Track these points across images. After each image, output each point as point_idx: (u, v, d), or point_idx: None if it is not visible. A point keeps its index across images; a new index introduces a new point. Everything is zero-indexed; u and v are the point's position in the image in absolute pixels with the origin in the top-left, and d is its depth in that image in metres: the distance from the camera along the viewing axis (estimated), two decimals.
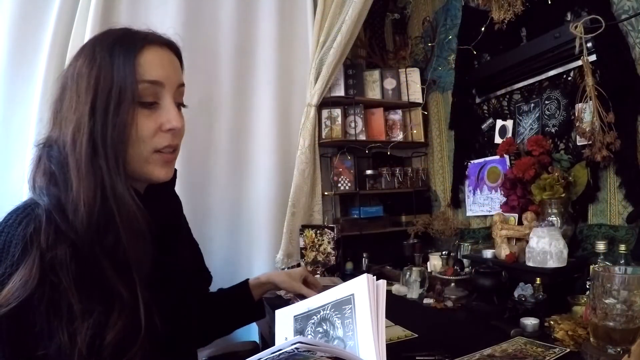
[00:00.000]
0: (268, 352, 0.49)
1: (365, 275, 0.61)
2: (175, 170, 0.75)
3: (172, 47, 0.68)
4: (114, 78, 0.59)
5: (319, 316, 0.63)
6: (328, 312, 0.62)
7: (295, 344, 0.48)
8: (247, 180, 1.76)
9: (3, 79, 1.38)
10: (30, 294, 0.51)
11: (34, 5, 1.43)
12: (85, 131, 0.58)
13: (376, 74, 1.98)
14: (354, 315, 0.59)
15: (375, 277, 0.62)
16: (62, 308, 0.53)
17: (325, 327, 0.61)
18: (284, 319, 0.68)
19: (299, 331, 0.64)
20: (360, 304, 0.59)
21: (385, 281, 0.62)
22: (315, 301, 0.66)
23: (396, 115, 2.00)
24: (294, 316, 0.67)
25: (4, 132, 1.37)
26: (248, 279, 1.04)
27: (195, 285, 0.78)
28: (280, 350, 0.48)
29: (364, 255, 1.75)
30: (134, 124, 0.60)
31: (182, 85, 0.69)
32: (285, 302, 1.30)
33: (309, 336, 0.62)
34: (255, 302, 1.02)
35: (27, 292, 0.51)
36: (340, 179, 1.89)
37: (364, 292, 0.59)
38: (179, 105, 0.69)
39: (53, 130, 0.62)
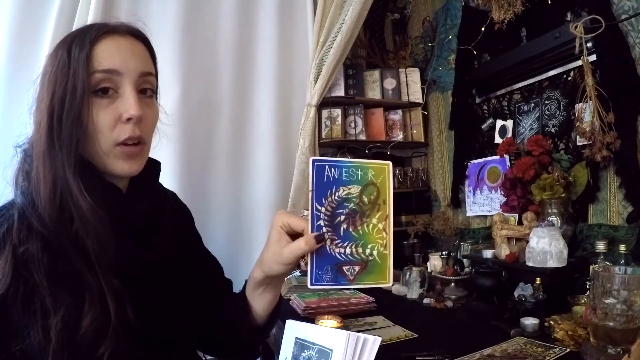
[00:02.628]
0: None
1: (346, 333, 0.54)
2: (159, 163, 0.73)
3: (135, 36, 0.66)
4: (69, 72, 0.59)
5: (307, 353, 0.59)
6: (314, 354, 0.58)
7: None
8: (247, 180, 1.76)
9: (3, 79, 1.38)
10: (5, 291, 0.52)
11: (33, 6, 1.43)
12: (44, 125, 0.59)
13: (376, 74, 1.98)
14: None
15: (363, 333, 0.55)
16: (35, 303, 0.53)
17: None
18: (290, 334, 0.64)
19: (294, 357, 0.61)
20: None
21: (379, 339, 0.54)
22: (312, 332, 0.61)
23: (396, 115, 2.00)
24: (296, 338, 0.62)
25: (3, 132, 1.37)
26: (246, 283, 0.80)
27: (188, 288, 0.75)
28: None
29: None
30: (89, 116, 0.59)
31: (149, 74, 0.66)
32: (286, 302, 1.30)
33: None
34: (254, 330, 0.76)
35: (2, 290, 0.52)
36: None
37: (341, 349, 0.54)
38: (151, 92, 0.67)
39: (31, 131, 0.64)
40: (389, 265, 0.60)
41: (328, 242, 0.60)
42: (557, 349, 0.83)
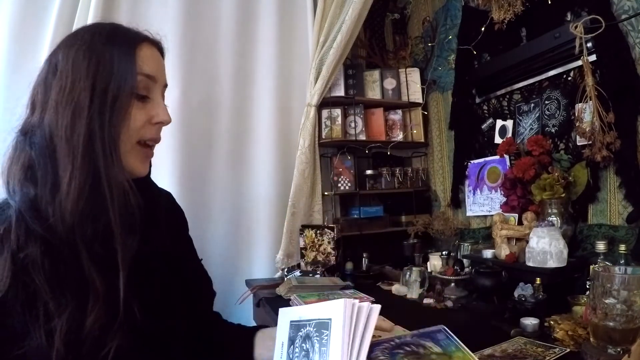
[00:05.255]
0: None
1: (343, 300, 0.56)
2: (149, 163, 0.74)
3: (159, 48, 0.70)
4: (114, 67, 0.60)
5: (305, 330, 0.60)
6: (312, 329, 0.59)
7: None
8: (247, 180, 1.76)
9: (3, 79, 1.38)
10: (4, 294, 0.52)
11: (34, 6, 1.43)
12: (84, 116, 0.57)
13: (376, 74, 1.97)
14: (328, 344, 0.55)
15: (358, 301, 0.56)
16: (37, 307, 0.53)
17: (307, 346, 0.59)
18: (284, 321, 0.66)
19: (292, 339, 0.62)
20: (335, 334, 0.55)
21: (379, 306, 0.56)
22: (306, 311, 0.62)
23: (396, 115, 2.00)
24: (290, 321, 0.64)
25: (5, 133, 1.37)
26: (257, 330, 0.79)
27: (183, 289, 0.73)
28: None
29: (364, 255, 1.75)
30: (128, 114, 0.61)
31: (166, 85, 0.71)
32: (285, 302, 1.30)
33: (297, 349, 0.60)
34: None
35: (1, 293, 0.52)
36: (340, 179, 1.89)
37: (339, 317, 0.55)
38: None
39: (35, 116, 0.61)
40: None
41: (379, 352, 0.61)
42: (557, 349, 0.83)
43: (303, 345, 0.60)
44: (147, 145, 0.66)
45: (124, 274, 0.57)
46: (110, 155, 0.58)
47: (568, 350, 0.83)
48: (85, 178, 0.56)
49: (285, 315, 0.66)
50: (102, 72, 0.59)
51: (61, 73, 0.60)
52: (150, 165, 0.74)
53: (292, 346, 0.62)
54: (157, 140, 0.68)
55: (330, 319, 0.57)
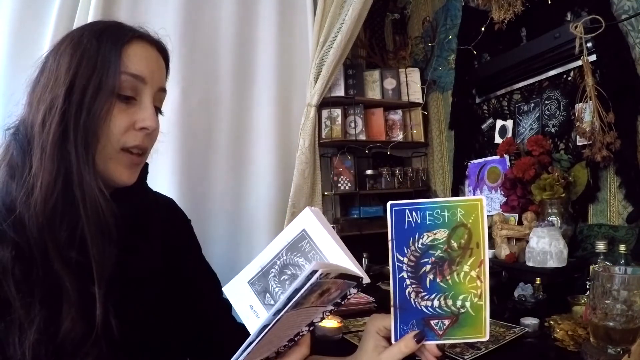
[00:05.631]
0: (284, 303, 0.44)
1: (307, 208, 0.57)
2: (146, 165, 0.70)
3: (160, 48, 0.66)
4: (97, 64, 0.57)
5: (276, 267, 0.57)
6: (285, 257, 0.57)
7: (310, 276, 0.43)
8: (247, 181, 1.76)
9: (3, 80, 1.38)
10: None
11: (33, 7, 1.43)
12: (57, 112, 0.54)
13: (376, 74, 1.97)
14: (314, 245, 0.55)
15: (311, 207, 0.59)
16: (12, 314, 0.50)
17: (290, 272, 0.56)
18: (238, 290, 0.59)
19: (262, 291, 0.58)
20: (316, 233, 0.55)
21: (317, 209, 0.59)
22: (264, 257, 0.58)
23: (396, 115, 2.00)
24: (248, 282, 0.58)
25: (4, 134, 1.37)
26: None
27: (177, 301, 0.70)
28: (299, 290, 0.43)
29: (364, 255, 1.75)
30: (108, 115, 0.57)
31: (164, 90, 0.66)
32: None
33: (277, 289, 0.57)
34: None
35: None
36: (340, 179, 1.89)
37: (314, 222, 0.55)
38: (157, 110, 0.66)
39: (24, 112, 0.60)
40: (484, 317, 0.53)
41: (413, 295, 0.55)
42: (518, 329, 0.86)
43: (283, 277, 0.56)
44: (133, 153, 0.61)
45: (99, 282, 0.53)
46: (83, 158, 0.55)
47: (527, 330, 0.85)
48: (55, 178, 0.53)
49: (236, 285, 0.59)
50: (84, 69, 0.56)
51: (49, 69, 0.58)
52: (147, 173, 0.71)
53: (265, 294, 0.57)
54: (142, 147, 0.62)
55: (303, 230, 0.55)
